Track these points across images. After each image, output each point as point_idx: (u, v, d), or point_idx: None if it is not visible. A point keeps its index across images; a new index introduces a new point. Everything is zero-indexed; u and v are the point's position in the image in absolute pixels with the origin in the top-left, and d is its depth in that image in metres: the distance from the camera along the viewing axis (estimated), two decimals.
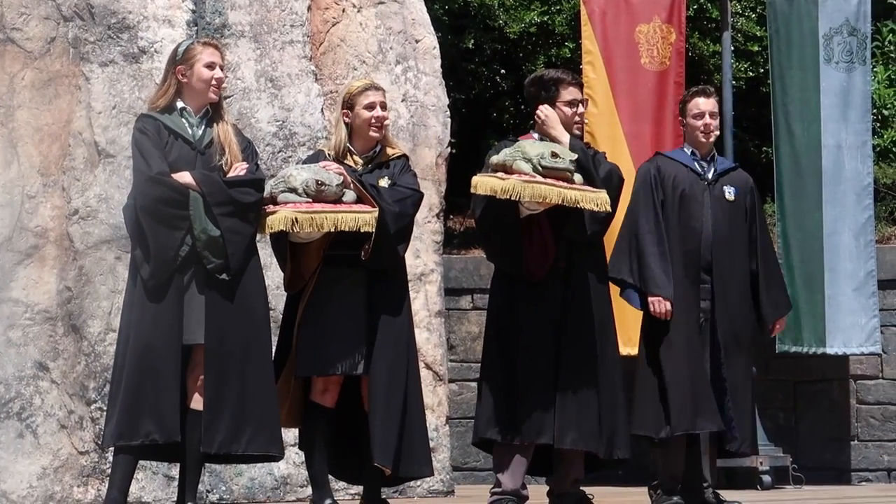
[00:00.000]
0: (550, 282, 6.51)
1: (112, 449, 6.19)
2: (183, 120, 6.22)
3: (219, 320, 6.08)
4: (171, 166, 6.11)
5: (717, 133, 7.25)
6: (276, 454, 6.27)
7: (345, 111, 6.46)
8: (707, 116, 7.13)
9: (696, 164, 7.14)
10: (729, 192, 7.17)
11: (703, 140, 7.15)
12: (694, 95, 7.20)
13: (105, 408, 6.45)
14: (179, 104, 6.24)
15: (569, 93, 6.68)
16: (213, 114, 6.29)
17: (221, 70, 6.28)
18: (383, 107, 6.45)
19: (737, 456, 7.29)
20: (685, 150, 7.22)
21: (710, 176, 7.15)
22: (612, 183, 6.55)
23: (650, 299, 6.89)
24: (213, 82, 6.24)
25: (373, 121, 6.41)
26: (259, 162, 6.53)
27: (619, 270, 6.95)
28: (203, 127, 6.25)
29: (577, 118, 6.69)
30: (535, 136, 6.72)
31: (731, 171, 7.26)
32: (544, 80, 6.74)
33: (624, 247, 6.97)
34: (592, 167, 6.49)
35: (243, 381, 6.12)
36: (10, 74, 7.54)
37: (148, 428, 6.00)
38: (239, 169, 6.25)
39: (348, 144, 6.46)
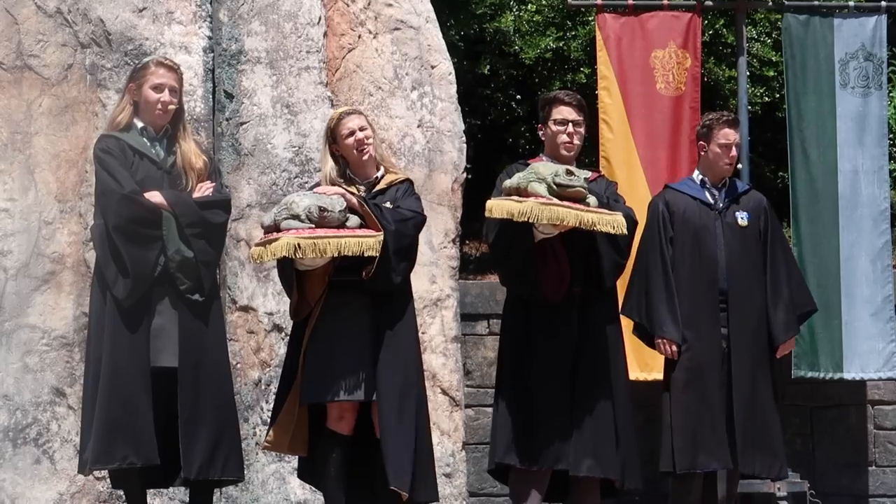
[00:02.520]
0: (566, 307, 6.50)
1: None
2: (144, 139, 6.17)
3: (192, 343, 6.05)
4: (139, 186, 6.08)
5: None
6: (243, 478, 6.38)
7: (332, 145, 6.47)
8: (734, 149, 7.14)
9: (706, 193, 7.12)
10: (742, 218, 7.15)
11: (727, 170, 7.15)
12: (725, 124, 7.15)
13: None
14: (139, 123, 6.18)
15: (558, 112, 6.69)
16: (173, 132, 6.23)
17: (171, 93, 6.18)
18: (362, 129, 6.43)
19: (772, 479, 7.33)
20: (695, 178, 7.19)
21: (720, 204, 7.12)
22: (627, 227, 6.54)
23: (656, 341, 6.94)
24: (159, 106, 6.16)
25: (355, 145, 6.41)
26: (222, 181, 6.51)
27: (630, 309, 7.00)
28: (165, 145, 6.20)
29: (564, 137, 6.68)
30: (545, 158, 6.74)
31: (743, 195, 7.24)
32: (543, 100, 6.84)
33: (635, 284, 7.01)
34: None
35: (217, 404, 6.10)
36: (28, 101, 7.57)
37: (125, 451, 5.96)
38: (205, 189, 6.21)
39: (350, 173, 6.46)
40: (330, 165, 6.45)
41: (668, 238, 6.99)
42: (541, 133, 6.79)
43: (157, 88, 6.16)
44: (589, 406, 6.45)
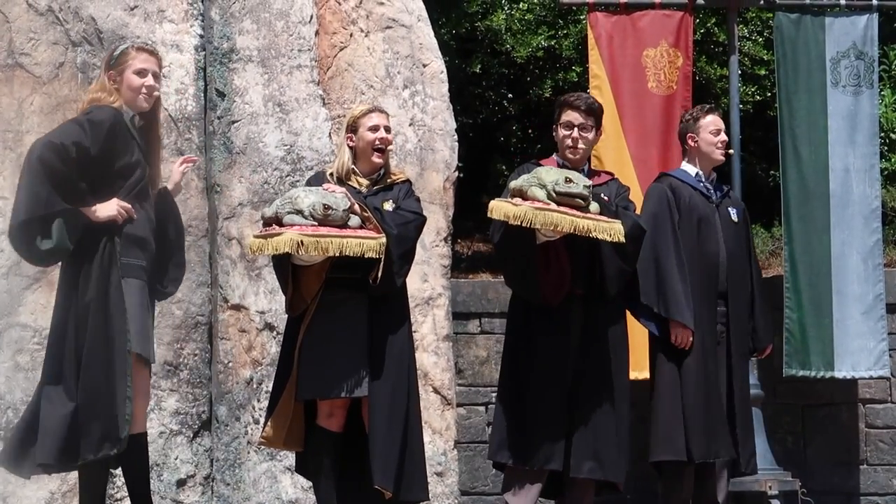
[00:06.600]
0: (568, 308, 6.49)
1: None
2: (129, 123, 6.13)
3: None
4: (134, 167, 6.01)
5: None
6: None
7: (349, 135, 6.47)
8: (723, 133, 7.15)
9: (702, 185, 7.12)
10: (734, 214, 7.16)
11: (720, 157, 7.13)
12: (708, 112, 7.17)
13: None
14: (129, 112, 6.09)
15: (566, 115, 6.70)
16: (150, 122, 6.13)
17: (154, 78, 6.09)
18: (387, 129, 6.46)
19: (745, 475, 7.28)
20: (688, 170, 7.17)
21: (715, 198, 7.13)
22: (634, 235, 6.52)
23: (673, 327, 6.84)
24: (144, 90, 6.06)
25: (376, 142, 6.41)
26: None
27: (646, 295, 6.83)
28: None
29: (568, 141, 6.68)
30: (557, 159, 6.74)
31: (728, 193, 7.27)
32: (558, 101, 6.81)
33: (648, 271, 6.86)
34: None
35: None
36: (19, 99, 7.56)
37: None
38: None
39: (352, 167, 6.47)
40: (347, 157, 6.46)
41: (676, 222, 6.94)
42: (555, 135, 6.79)
43: (141, 73, 6.06)
44: (592, 407, 6.44)
